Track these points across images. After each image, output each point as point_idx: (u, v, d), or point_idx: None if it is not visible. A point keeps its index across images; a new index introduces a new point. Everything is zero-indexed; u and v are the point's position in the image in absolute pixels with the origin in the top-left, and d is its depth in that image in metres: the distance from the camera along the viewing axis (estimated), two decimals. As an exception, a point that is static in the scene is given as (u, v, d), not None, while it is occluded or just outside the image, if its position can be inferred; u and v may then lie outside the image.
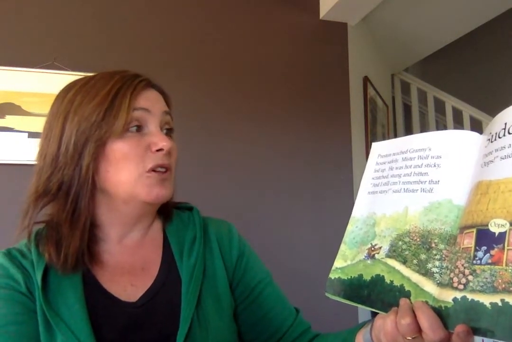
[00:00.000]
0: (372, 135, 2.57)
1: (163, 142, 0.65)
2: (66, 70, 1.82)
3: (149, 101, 0.67)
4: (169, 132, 0.71)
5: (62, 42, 1.90)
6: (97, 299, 0.64)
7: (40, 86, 1.80)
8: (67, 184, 0.64)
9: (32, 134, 1.77)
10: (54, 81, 1.80)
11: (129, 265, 0.69)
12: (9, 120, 1.78)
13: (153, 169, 0.65)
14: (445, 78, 3.76)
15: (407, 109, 3.48)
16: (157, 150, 0.65)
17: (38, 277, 0.62)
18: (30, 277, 0.63)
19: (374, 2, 2.21)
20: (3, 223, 1.53)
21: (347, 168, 2.23)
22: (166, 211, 0.76)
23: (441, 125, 3.47)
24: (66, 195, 0.65)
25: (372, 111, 2.65)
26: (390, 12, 2.53)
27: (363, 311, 2.11)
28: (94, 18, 1.97)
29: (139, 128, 0.66)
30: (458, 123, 3.09)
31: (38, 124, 1.77)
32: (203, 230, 0.75)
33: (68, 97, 0.66)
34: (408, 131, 3.39)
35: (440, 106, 3.21)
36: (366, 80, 2.56)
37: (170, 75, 1.96)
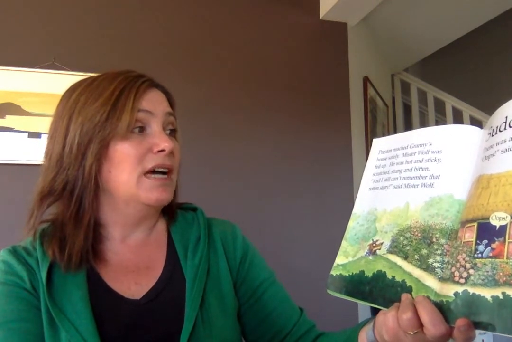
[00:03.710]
0: (372, 135, 2.57)
1: (165, 143, 0.65)
2: (66, 70, 1.82)
3: (152, 103, 0.67)
4: (172, 132, 0.71)
5: (62, 42, 1.90)
6: (101, 297, 0.65)
7: (40, 86, 1.80)
8: (72, 184, 0.65)
9: (32, 134, 1.76)
10: (54, 81, 1.80)
11: (133, 263, 0.70)
12: (9, 120, 1.78)
13: (154, 170, 0.65)
14: (445, 78, 3.76)
15: (407, 109, 3.48)
16: (159, 151, 0.65)
17: (43, 274, 0.62)
18: (34, 274, 0.64)
19: (374, 2, 2.22)
20: (3, 222, 1.53)
21: (347, 168, 2.23)
22: (170, 211, 0.76)
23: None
24: (71, 194, 0.65)
25: (372, 111, 2.65)
26: (390, 12, 2.53)
27: (363, 309, 2.11)
28: (94, 18, 1.97)
29: (142, 129, 0.66)
30: (458, 123, 3.09)
31: (38, 124, 1.77)
32: (207, 230, 0.75)
33: (73, 97, 0.67)
34: (408, 131, 3.39)
35: (440, 106, 3.21)
36: (366, 80, 2.56)
37: (170, 76, 1.96)
